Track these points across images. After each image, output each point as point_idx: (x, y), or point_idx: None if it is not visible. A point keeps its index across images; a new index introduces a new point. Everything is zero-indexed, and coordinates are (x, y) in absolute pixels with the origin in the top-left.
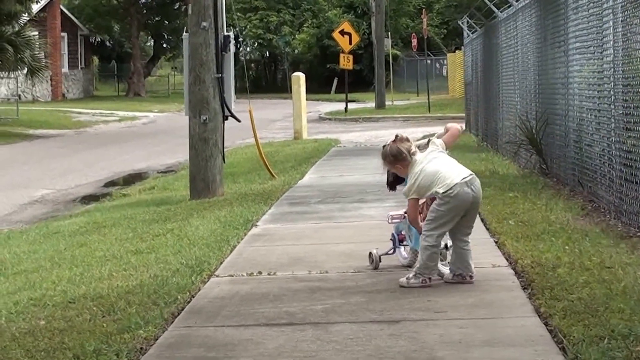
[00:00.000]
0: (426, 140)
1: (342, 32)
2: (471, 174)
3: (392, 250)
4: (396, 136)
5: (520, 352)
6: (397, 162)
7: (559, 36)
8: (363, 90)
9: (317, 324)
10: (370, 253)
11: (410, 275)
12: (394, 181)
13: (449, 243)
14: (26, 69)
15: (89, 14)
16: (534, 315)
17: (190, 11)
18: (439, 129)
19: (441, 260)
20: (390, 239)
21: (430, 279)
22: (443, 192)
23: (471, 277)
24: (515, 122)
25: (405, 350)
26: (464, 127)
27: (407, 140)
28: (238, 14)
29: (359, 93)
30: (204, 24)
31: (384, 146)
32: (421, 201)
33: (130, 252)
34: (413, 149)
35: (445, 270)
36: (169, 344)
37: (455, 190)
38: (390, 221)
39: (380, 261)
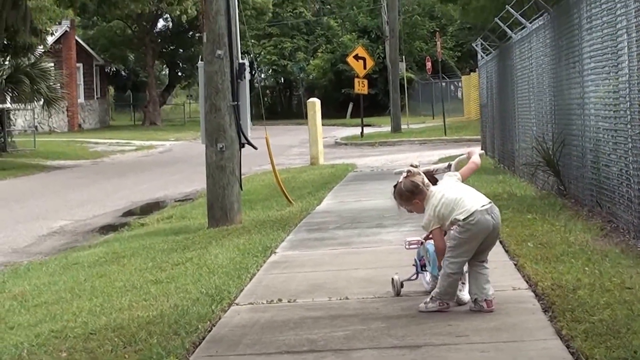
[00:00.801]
0: (446, 164)
1: (357, 57)
2: (490, 202)
3: (415, 275)
4: (408, 171)
5: None
6: (414, 196)
7: (574, 57)
8: (379, 115)
9: (339, 351)
10: (392, 279)
11: (428, 300)
12: None
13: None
14: (42, 100)
15: (104, 44)
16: (556, 338)
17: (205, 39)
18: (456, 152)
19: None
20: (413, 265)
21: (448, 304)
22: (464, 219)
23: (488, 303)
24: (531, 143)
25: None
26: (484, 153)
27: (419, 173)
28: (252, 40)
29: (374, 117)
30: (219, 52)
31: (395, 185)
32: None
33: (149, 282)
34: (426, 180)
35: (465, 297)
36: None
37: (475, 217)
38: (407, 247)
39: (402, 287)
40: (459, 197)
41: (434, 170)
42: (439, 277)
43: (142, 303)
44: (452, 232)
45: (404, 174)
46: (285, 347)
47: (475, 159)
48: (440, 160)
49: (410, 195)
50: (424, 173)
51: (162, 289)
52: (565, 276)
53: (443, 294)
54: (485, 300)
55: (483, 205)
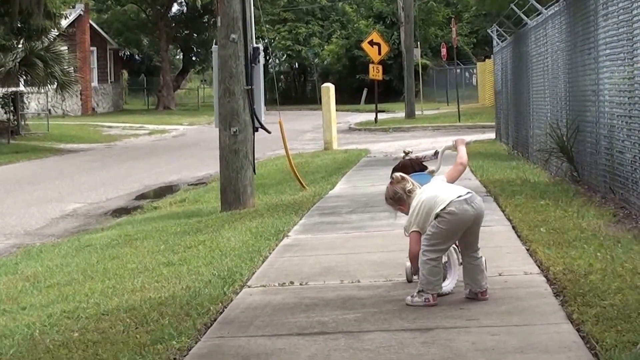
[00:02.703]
0: (433, 151)
1: (371, 43)
2: (469, 192)
3: None
4: (392, 177)
5: (554, 358)
6: (397, 203)
7: (589, 43)
8: (393, 101)
9: (350, 333)
10: (406, 266)
11: (415, 294)
12: None
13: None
14: (56, 83)
15: (118, 28)
16: (567, 322)
17: (219, 24)
18: (470, 137)
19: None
20: None
21: (433, 296)
22: (441, 210)
23: (482, 293)
24: (545, 129)
25: (438, 358)
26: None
27: (403, 179)
28: (267, 26)
29: (388, 103)
30: (233, 36)
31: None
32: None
33: (162, 264)
34: (409, 186)
35: (445, 288)
36: (202, 354)
37: (453, 206)
38: (407, 234)
39: (415, 274)
40: (435, 194)
41: (423, 157)
42: (420, 268)
43: (154, 285)
44: (432, 223)
45: (390, 180)
46: (296, 329)
47: (462, 154)
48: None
49: (393, 202)
50: (414, 160)
51: (174, 271)
52: (577, 261)
53: (426, 283)
54: (479, 291)
55: (460, 196)
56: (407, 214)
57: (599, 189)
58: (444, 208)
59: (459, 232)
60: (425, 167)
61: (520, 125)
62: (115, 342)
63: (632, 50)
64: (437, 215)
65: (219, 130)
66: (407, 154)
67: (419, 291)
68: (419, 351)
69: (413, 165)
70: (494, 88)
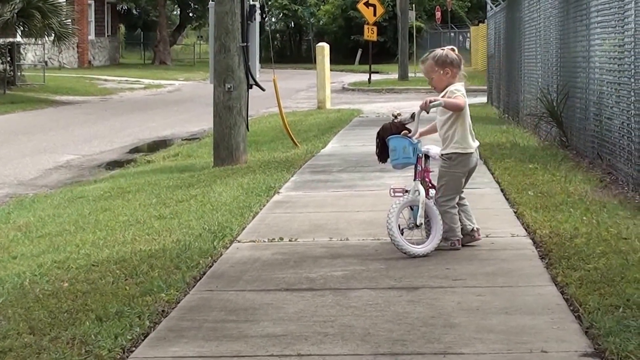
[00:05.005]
0: (410, 114)
1: (367, 4)
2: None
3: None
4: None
5: (537, 319)
6: (442, 67)
7: (581, 10)
8: (387, 62)
9: (337, 290)
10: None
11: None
12: (381, 152)
13: (419, 221)
14: (53, 35)
15: None
16: (551, 284)
17: None
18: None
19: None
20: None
21: (459, 241)
22: (466, 152)
23: (478, 232)
24: (536, 95)
25: (424, 316)
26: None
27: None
28: None
29: (382, 64)
30: None
31: (431, 50)
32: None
33: (153, 217)
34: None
35: (416, 249)
36: (190, 307)
37: (476, 153)
38: (392, 195)
39: (402, 234)
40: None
41: (404, 120)
42: (443, 222)
43: (145, 237)
44: (442, 168)
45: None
46: (284, 284)
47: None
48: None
49: (438, 64)
50: (394, 124)
51: (165, 224)
52: (563, 225)
53: (449, 231)
54: (476, 229)
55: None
56: (440, 84)
57: (587, 154)
58: (468, 152)
59: (467, 176)
60: (409, 130)
61: (511, 89)
62: (105, 293)
63: (623, 18)
64: (455, 157)
65: (214, 87)
66: (395, 117)
67: (452, 240)
68: (405, 309)
69: (391, 128)
70: (486, 52)
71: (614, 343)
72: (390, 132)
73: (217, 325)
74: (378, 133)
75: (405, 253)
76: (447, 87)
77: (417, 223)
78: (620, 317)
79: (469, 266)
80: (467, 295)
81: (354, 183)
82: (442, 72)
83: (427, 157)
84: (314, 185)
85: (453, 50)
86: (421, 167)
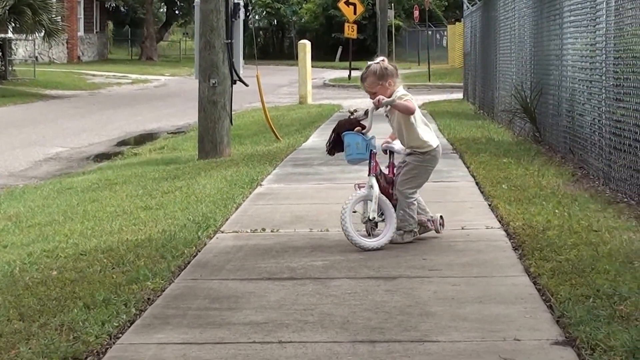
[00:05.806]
0: (364, 111)
1: (347, 3)
2: None
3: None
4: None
5: (510, 309)
6: (381, 79)
7: (555, 10)
8: (366, 59)
9: (317, 279)
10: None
11: (402, 233)
12: (334, 147)
13: (372, 215)
14: (43, 31)
15: None
16: (524, 275)
17: None
18: (438, 97)
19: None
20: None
21: (419, 230)
22: (436, 147)
23: (431, 220)
24: (510, 91)
25: (401, 305)
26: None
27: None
28: None
29: (362, 61)
30: None
31: (368, 66)
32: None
33: (139, 208)
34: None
35: (368, 242)
36: (175, 295)
37: (439, 149)
38: (357, 190)
39: (377, 227)
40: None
41: (359, 117)
42: (403, 211)
43: (131, 227)
44: (415, 161)
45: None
46: (266, 273)
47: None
48: (425, 104)
49: (376, 77)
50: (349, 120)
51: (151, 215)
52: (536, 217)
53: (413, 223)
54: (437, 217)
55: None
56: (383, 93)
57: (559, 149)
58: (436, 147)
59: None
60: (364, 126)
61: (486, 86)
62: (92, 281)
63: (594, 18)
64: (429, 153)
65: (199, 82)
66: (352, 113)
67: (406, 231)
68: (383, 298)
69: (345, 125)
70: (463, 50)
71: (584, 332)
72: (345, 128)
73: (201, 313)
74: (334, 129)
75: (357, 246)
76: (391, 95)
77: (370, 217)
78: (590, 307)
79: (445, 257)
80: (443, 285)
81: (334, 176)
82: (385, 84)
83: (391, 152)
84: (296, 177)
85: (384, 61)
86: (374, 162)
